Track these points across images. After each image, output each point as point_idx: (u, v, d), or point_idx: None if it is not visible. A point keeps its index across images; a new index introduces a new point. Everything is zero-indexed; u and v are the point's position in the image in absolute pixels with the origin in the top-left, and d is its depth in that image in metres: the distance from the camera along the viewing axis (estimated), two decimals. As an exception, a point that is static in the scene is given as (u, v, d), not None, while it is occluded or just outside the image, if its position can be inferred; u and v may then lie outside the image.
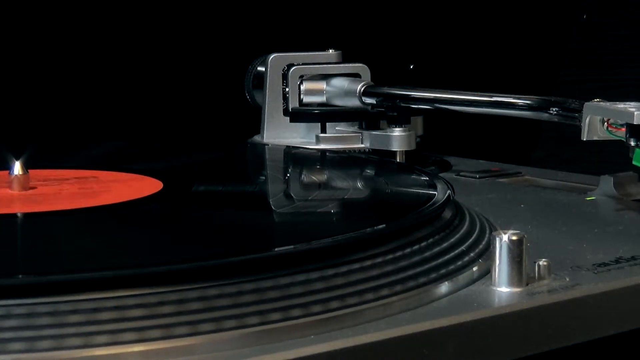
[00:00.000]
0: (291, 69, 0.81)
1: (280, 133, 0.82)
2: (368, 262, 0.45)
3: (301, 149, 0.77)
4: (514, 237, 0.46)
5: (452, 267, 0.47)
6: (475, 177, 0.75)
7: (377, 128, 0.79)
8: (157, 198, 0.57)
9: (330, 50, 0.83)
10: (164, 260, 0.44)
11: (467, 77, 1.05)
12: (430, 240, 0.49)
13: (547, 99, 0.67)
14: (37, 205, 0.56)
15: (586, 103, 0.62)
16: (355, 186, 0.63)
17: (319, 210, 0.57)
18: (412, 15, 1.17)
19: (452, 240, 0.50)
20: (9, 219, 0.53)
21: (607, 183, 0.66)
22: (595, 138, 0.62)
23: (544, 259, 0.48)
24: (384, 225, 0.48)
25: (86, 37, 1.03)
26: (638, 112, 0.57)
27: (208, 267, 0.42)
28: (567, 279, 0.48)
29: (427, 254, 0.47)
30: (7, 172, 0.60)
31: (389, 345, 0.40)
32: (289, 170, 0.74)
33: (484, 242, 0.51)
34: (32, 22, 1.01)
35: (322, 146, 0.79)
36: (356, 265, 0.44)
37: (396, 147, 0.77)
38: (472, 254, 0.49)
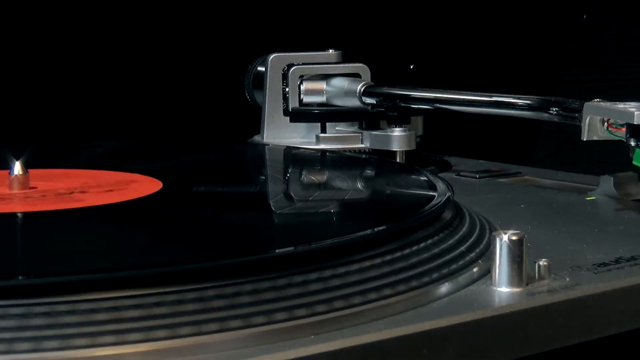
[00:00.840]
0: (291, 69, 0.81)
1: (280, 133, 0.82)
2: (368, 263, 0.45)
3: (301, 149, 0.77)
4: (514, 237, 0.46)
5: (452, 267, 0.47)
6: (475, 177, 0.75)
7: (377, 128, 0.79)
8: (157, 198, 0.57)
9: (330, 50, 0.83)
10: (163, 261, 0.43)
11: (467, 77, 1.05)
12: (430, 240, 0.49)
13: (547, 99, 0.67)
14: (37, 205, 0.56)
15: (586, 103, 0.62)
16: (355, 187, 0.63)
17: (319, 211, 0.57)
18: (412, 15, 1.17)
19: (452, 240, 0.50)
20: (9, 219, 0.53)
21: (607, 183, 0.66)
22: (595, 138, 0.62)
23: (544, 259, 0.48)
24: (384, 226, 0.48)
25: (86, 37, 1.03)
26: (638, 112, 0.57)
27: (207, 268, 0.42)
28: (567, 279, 0.48)
29: (427, 254, 0.47)
30: (7, 172, 0.60)
31: (389, 345, 0.40)
32: (289, 170, 0.74)
33: (484, 243, 0.51)
34: (32, 22, 1.01)
35: (322, 146, 0.79)
36: (356, 266, 0.44)
37: (396, 147, 0.77)
38: (472, 254, 0.49)
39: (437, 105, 0.75)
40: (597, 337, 0.47)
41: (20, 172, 0.59)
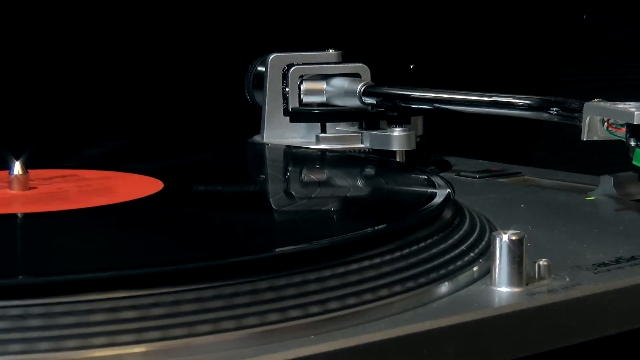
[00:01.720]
0: (291, 69, 0.81)
1: (280, 133, 0.82)
2: (368, 263, 0.45)
3: (301, 149, 0.77)
4: (514, 237, 0.46)
5: (452, 267, 0.47)
6: (475, 177, 0.75)
7: (377, 128, 0.79)
8: (157, 198, 0.57)
9: (330, 50, 0.83)
10: (162, 261, 0.43)
11: (467, 77, 1.05)
12: (430, 240, 0.49)
13: (547, 99, 0.67)
14: (37, 205, 0.56)
15: (586, 103, 0.62)
16: (355, 186, 0.63)
17: (319, 211, 0.57)
18: (412, 15, 1.17)
19: (452, 240, 0.50)
20: (9, 219, 0.53)
21: (607, 183, 0.66)
22: (595, 138, 0.62)
23: (544, 259, 0.48)
24: (384, 225, 0.48)
25: (86, 37, 1.03)
26: (638, 112, 0.57)
27: (207, 268, 0.42)
28: (567, 279, 0.48)
29: (427, 254, 0.47)
30: (7, 172, 0.60)
31: (389, 345, 0.40)
32: (289, 170, 0.74)
33: (484, 242, 0.51)
34: (32, 22, 1.01)
35: (322, 146, 0.79)
36: (356, 266, 0.44)
37: (396, 147, 0.77)
38: (472, 254, 0.49)
39: (437, 105, 0.75)
40: (597, 337, 0.47)
41: (20, 172, 0.59)
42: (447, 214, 0.53)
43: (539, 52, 1.23)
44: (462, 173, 0.76)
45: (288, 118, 0.81)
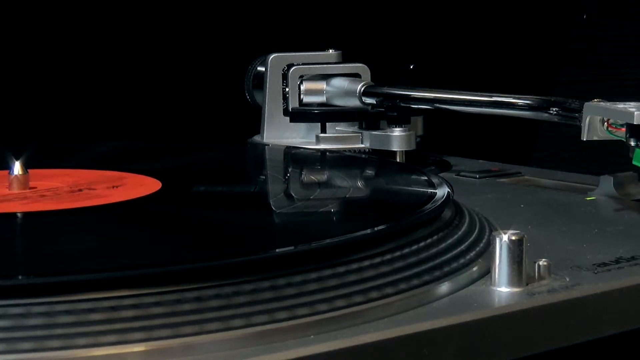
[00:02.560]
0: (291, 69, 0.81)
1: (280, 133, 0.82)
2: (368, 262, 0.45)
3: (301, 149, 0.77)
4: (514, 237, 0.46)
5: (452, 267, 0.47)
6: (475, 177, 0.75)
7: (377, 128, 0.79)
8: (156, 198, 0.57)
9: (330, 50, 0.83)
10: (161, 261, 0.43)
11: (467, 77, 1.05)
12: (430, 240, 0.49)
13: (547, 99, 0.67)
14: (37, 205, 0.56)
15: (586, 103, 0.62)
16: (355, 186, 0.63)
17: (319, 211, 0.57)
18: (412, 15, 1.17)
19: (452, 240, 0.50)
20: (9, 219, 0.53)
21: (607, 183, 0.66)
22: (595, 138, 0.62)
23: (544, 259, 0.48)
24: (383, 225, 0.48)
25: (86, 37, 1.03)
26: (638, 112, 0.57)
27: (207, 268, 0.42)
28: (567, 279, 0.48)
29: (427, 254, 0.47)
30: (7, 172, 0.60)
31: (389, 345, 0.40)
32: (289, 170, 0.74)
33: (483, 242, 0.51)
34: (32, 22, 1.01)
35: (322, 146, 0.79)
36: (356, 266, 0.44)
37: (396, 147, 0.77)
38: (472, 254, 0.49)
39: (437, 105, 0.75)
40: (597, 337, 0.47)
41: (20, 172, 0.59)
42: (447, 214, 0.53)
43: (539, 52, 1.23)
44: (462, 173, 0.76)
45: (288, 118, 0.81)
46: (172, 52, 1.07)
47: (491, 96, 0.71)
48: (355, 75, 0.81)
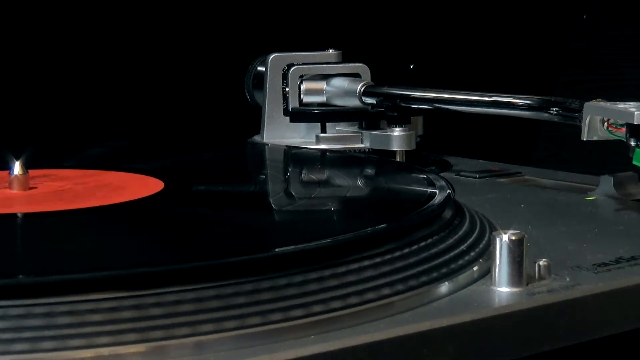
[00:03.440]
0: (291, 69, 0.81)
1: (280, 133, 0.82)
2: (368, 262, 0.45)
3: (301, 149, 0.77)
4: (514, 237, 0.46)
5: (452, 267, 0.47)
6: (475, 177, 0.75)
7: (377, 128, 0.79)
8: (158, 198, 0.57)
9: (330, 50, 0.83)
10: (162, 261, 0.43)
11: (467, 77, 1.05)
12: (431, 240, 0.49)
13: (547, 99, 0.67)
14: (37, 205, 0.56)
15: (586, 103, 0.62)
16: (355, 186, 0.63)
17: (319, 211, 0.57)
18: (412, 15, 1.17)
19: (452, 240, 0.50)
20: (9, 219, 0.53)
21: (607, 183, 0.66)
22: (595, 138, 0.62)
23: (544, 259, 0.48)
24: (384, 225, 0.48)
25: (86, 37, 1.03)
26: (638, 112, 0.57)
27: (207, 268, 0.41)
28: (567, 279, 0.48)
29: (427, 253, 0.47)
30: (7, 172, 0.60)
31: (389, 345, 0.40)
32: (289, 170, 0.74)
33: (484, 242, 0.51)
34: (32, 22, 1.01)
35: (322, 146, 0.79)
36: (356, 265, 0.44)
37: (396, 147, 0.77)
38: (472, 254, 0.49)
39: (437, 105, 0.75)
40: (597, 337, 0.47)
41: (20, 172, 0.59)
42: (447, 214, 0.53)
43: (539, 52, 1.23)
44: (462, 173, 0.76)
45: (288, 118, 0.81)
46: (172, 52, 1.07)
47: (491, 96, 0.71)
48: (355, 75, 0.81)
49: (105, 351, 0.38)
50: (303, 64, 0.82)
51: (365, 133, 0.78)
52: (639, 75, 1.18)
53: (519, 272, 0.46)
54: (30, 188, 0.60)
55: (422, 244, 0.48)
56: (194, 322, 0.40)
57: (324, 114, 0.80)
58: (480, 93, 0.72)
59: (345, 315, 0.42)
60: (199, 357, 0.39)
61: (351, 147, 0.78)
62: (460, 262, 0.48)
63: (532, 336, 0.45)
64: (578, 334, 0.46)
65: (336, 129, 0.80)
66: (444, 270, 0.47)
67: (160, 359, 0.39)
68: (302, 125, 0.82)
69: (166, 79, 1.06)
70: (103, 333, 0.38)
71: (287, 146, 0.79)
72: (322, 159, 0.74)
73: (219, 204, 0.58)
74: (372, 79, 0.81)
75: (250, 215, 0.55)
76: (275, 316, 0.41)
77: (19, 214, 0.55)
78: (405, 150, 0.77)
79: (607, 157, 0.84)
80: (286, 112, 0.82)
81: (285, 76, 0.82)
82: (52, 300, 0.39)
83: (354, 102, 0.79)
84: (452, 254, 0.48)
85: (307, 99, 0.81)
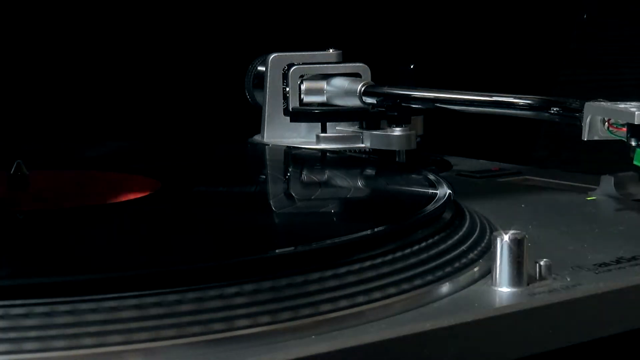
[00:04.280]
0: (291, 69, 0.81)
1: (280, 133, 0.82)
2: (368, 263, 0.45)
3: (301, 149, 0.77)
4: (515, 237, 0.45)
5: (452, 267, 0.47)
6: (475, 177, 0.75)
7: (378, 128, 0.79)
8: (156, 198, 0.57)
9: (331, 50, 0.83)
10: (160, 262, 0.43)
11: (467, 77, 1.05)
12: (431, 240, 0.49)
13: (548, 98, 0.67)
14: (37, 205, 0.56)
15: (587, 103, 0.62)
16: (355, 186, 0.63)
17: (319, 211, 0.57)
18: (412, 15, 1.17)
19: (452, 240, 0.50)
20: (9, 219, 0.53)
21: (607, 183, 0.66)
22: (596, 138, 0.62)
23: (544, 259, 0.48)
24: (384, 226, 0.48)
25: (86, 37, 1.03)
26: (639, 112, 0.57)
27: (207, 269, 0.41)
28: (568, 279, 0.48)
29: (427, 254, 0.47)
30: (6, 172, 0.60)
31: (390, 345, 0.40)
32: (289, 170, 0.74)
33: (484, 242, 0.51)
34: (32, 22, 1.01)
35: (322, 146, 0.79)
36: (357, 266, 0.44)
37: (396, 147, 0.77)
38: (472, 254, 0.49)
39: (437, 105, 0.75)
40: (597, 337, 0.47)
41: (20, 172, 0.59)
42: (448, 214, 0.53)
43: (539, 52, 1.23)
44: (462, 173, 0.76)
45: (288, 118, 0.81)
46: (172, 52, 1.06)
47: (491, 96, 0.71)
48: (355, 75, 0.81)
49: (112, 349, 0.38)
50: (303, 63, 0.82)
51: (366, 133, 0.78)
52: (639, 75, 1.18)
53: (520, 272, 0.46)
54: (31, 188, 0.60)
55: (423, 244, 0.48)
56: (193, 323, 0.39)
57: (324, 114, 0.80)
58: (480, 93, 0.72)
59: (345, 316, 0.42)
60: (201, 357, 0.39)
61: (351, 147, 0.78)
62: (461, 262, 0.48)
63: (532, 336, 0.45)
64: (578, 334, 0.46)
65: (336, 128, 0.80)
66: (444, 270, 0.47)
67: (170, 358, 0.39)
68: (302, 125, 0.82)
69: (166, 79, 1.06)
70: (102, 334, 0.38)
71: (287, 146, 0.79)
72: (322, 159, 0.74)
73: (218, 205, 0.58)
74: (372, 79, 0.81)
75: (250, 216, 0.55)
76: (276, 317, 0.41)
77: (19, 214, 0.55)
78: (406, 150, 0.77)
79: (607, 157, 0.84)
80: (286, 112, 0.82)
81: (285, 76, 0.82)
82: (48, 300, 0.39)
83: (354, 102, 0.79)
84: (452, 254, 0.48)
85: (307, 98, 0.81)
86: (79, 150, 0.78)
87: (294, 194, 0.63)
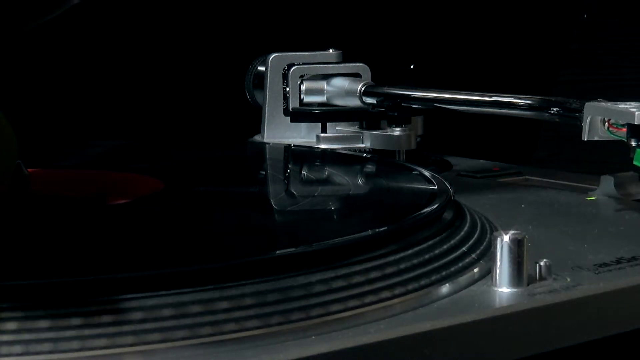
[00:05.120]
0: (292, 69, 0.81)
1: (280, 133, 0.82)
2: (369, 264, 0.45)
3: (301, 149, 0.77)
4: (515, 238, 0.46)
5: (453, 267, 0.47)
6: (475, 177, 0.75)
7: (378, 128, 0.79)
8: (158, 198, 0.57)
9: (331, 50, 0.83)
10: (162, 263, 0.43)
11: (467, 77, 1.05)
12: (431, 241, 0.49)
13: (548, 99, 0.67)
14: (36, 205, 0.56)
15: (587, 103, 0.62)
16: (355, 187, 0.63)
17: (319, 212, 0.56)
18: (412, 15, 1.17)
19: (452, 241, 0.50)
20: (9, 219, 0.53)
21: (607, 183, 0.66)
22: (596, 138, 0.62)
23: (544, 259, 0.48)
24: (384, 227, 0.48)
25: (86, 37, 1.03)
26: (639, 112, 0.57)
27: (208, 270, 0.41)
28: (568, 279, 0.48)
29: (427, 255, 0.47)
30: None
31: (390, 345, 0.40)
32: (289, 170, 0.74)
33: (484, 243, 0.51)
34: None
35: (322, 146, 0.79)
36: (357, 267, 0.44)
37: (396, 147, 0.77)
38: (473, 255, 0.49)
39: (437, 105, 0.75)
40: (597, 338, 0.47)
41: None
42: (448, 214, 0.53)
43: (539, 52, 1.23)
44: (462, 173, 0.76)
45: (288, 118, 0.81)
46: (172, 52, 1.06)
47: (491, 96, 0.71)
48: (355, 75, 0.81)
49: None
50: (303, 63, 0.82)
51: (366, 133, 0.78)
52: (639, 75, 1.18)
53: (520, 273, 0.46)
54: (31, 188, 0.60)
55: (423, 245, 0.48)
56: (195, 325, 0.39)
57: (324, 114, 0.80)
58: (480, 93, 0.72)
59: (346, 317, 0.42)
60: (198, 359, 0.39)
61: (352, 147, 0.78)
62: (461, 262, 0.48)
63: (532, 336, 0.45)
64: (579, 335, 0.46)
65: (336, 128, 0.80)
66: (444, 271, 0.47)
67: (169, 358, 0.39)
68: (302, 125, 0.82)
69: (166, 78, 1.06)
70: (103, 334, 0.38)
71: (287, 146, 0.79)
72: (322, 159, 0.74)
73: (219, 205, 0.58)
74: (372, 79, 0.81)
75: (251, 216, 0.55)
76: (277, 318, 0.41)
77: (17, 214, 0.55)
78: (406, 150, 0.77)
79: (607, 157, 0.84)
80: (286, 112, 0.82)
81: (285, 76, 0.82)
82: (46, 302, 0.39)
83: (354, 102, 0.79)
84: (452, 254, 0.48)
85: (307, 98, 0.81)
86: (79, 150, 0.78)
87: (293, 195, 0.63)
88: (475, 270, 0.48)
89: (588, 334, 0.46)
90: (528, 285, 0.46)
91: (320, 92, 0.81)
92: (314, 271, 0.43)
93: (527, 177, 0.76)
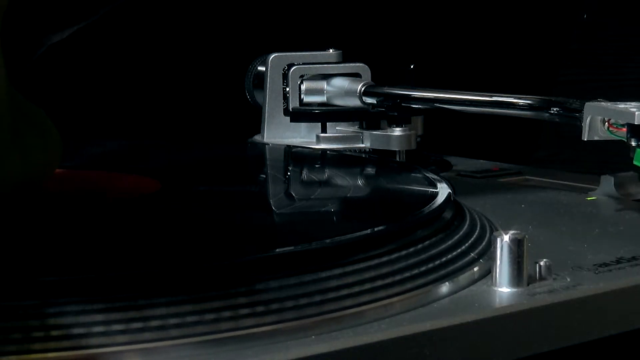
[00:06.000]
0: (291, 69, 0.81)
1: (280, 133, 0.82)
2: (368, 263, 0.45)
3: (301, 149, 0.77)
4: (515, 237, 0.46)
5: (452, 267, 0.47)
6: (475, 177, 0.75)
7: (378, 128, 0.79)
8: (156, 198, 0.57)
9: (331, 50, 0.83)
10: (159, 262, 0.43)
11: (467, 77, 1.05)
12: (431, 240, 0.49)
13: (548, 99, 0.67)
14: (36, 205, 0.56)
15: (587, 103, 0.62)
16: (355, 186, 0.63)
17: (319, 211, 0.56)
18: (412, 15, 1.17)
19: (452, 240, 0.50)
20: (9, 219, 0.53)
21: (607, 183, 0.66)
22: (596, 138, 0.62)
23: (544, 259, 0.48)
24: (384, 226, 0.48)
25: (86, 37, 1.03)
26: (639, 112, 0.57)
27: (207, 269, 0.41)
28: (568, 279, 0.48)
29: (427, 254, 0.47)
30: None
31: (389, 345, 0.40)
32: (289, 170, 0.74)
33: (484, 243, 0.51)
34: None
35: (322, 146, 0.79)
36: (357, 266, 0.44)
37: (396, 147, 0.77)
38: (472, 254, 0.49)
39: (437, 105, 0.75)
40: (597, 338, 0.47)
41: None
42: (448, 214, 0.53)
43: (539, 52, 1.23)
44: (462, 173, 0.76)
45: (288, 118, 0.81)
46: (173, 52, 1.06)
47: (491, 96, 0.71)
48: (355, 75, 0.81)
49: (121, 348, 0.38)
50: (303, 63, 0.82)
51: (366, 133, 0.78)
52: (639, 75, 1.18)
53: (520, 273, 0.46)
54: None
55: (423, 244, 0.48)
56: (192, 324, 0.39)
57: (324, 114, 0.80)
58: (480, 93, 0.72)
59: (346, 316, 0.42)
60: (197, 358, 0.39)
61: (351, 147, 0.78)
62: (461, 262, 0.48)
63: (532, 336, 0.45)
64: (578, 334, 0.46)
65: (336, 128, 0.80)
66: (444, 270, 0.47)
67: (169, 358, 0.39)
68: (302, 125, 0.82)
69: (166, 78, 1.06)
70: (102, 334, 0.38)
71: (287, 146, 0.79)
72: (322, 159, 0.74)
73: (218, 205, 0.58)
74: (372, 79, 0.81)
75: (250, 216, 0.55)
76: (276, 317, 0.41)
77: (17, 214, 0.55)
78: (406, 150, 0.77)
79: (607, 157, 0.84)
80: (286, 112, 0.82)
81: (285, 76, 0.82)
82: (42, 301, 0.39)
83: (354, 102, 0.79)
84: (452, 254, 0.48)
85: (307, 98, 0.81)
86: (79, 150, 0.78)
87: (293, 194, 0.63)
88: (475, 270, 0.48)
89: (588, 334, 0.46)
90: (528, 285, 0.46)
91: (320, 92, 0.81)
92: (311, 270, 0.43)
93: (527, 177, 0.75)
